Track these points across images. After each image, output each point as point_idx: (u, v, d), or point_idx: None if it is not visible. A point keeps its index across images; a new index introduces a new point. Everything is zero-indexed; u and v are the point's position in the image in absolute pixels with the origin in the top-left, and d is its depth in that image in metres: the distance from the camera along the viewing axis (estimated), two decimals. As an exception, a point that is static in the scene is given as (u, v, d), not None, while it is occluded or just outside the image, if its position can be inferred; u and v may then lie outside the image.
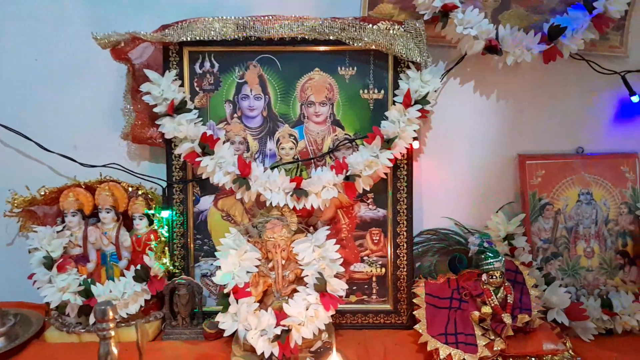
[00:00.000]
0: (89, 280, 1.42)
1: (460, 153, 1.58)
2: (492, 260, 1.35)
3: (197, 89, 1.46)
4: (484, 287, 1.35)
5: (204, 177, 1.41)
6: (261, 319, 1.28)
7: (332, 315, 1.33)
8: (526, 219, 1.53)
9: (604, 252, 1.55)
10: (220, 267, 1.34)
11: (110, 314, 0.98)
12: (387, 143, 1.40)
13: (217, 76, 1.46)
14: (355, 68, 1.46)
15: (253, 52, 1.45)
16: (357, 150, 1.44)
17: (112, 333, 0.99)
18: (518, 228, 1.51)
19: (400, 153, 1.42)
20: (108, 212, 1.46)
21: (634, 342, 1.43)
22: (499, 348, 1.28)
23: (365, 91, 1.47)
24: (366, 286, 1.51)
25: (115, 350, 0.99)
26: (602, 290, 1.54)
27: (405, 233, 1.48)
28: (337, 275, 1.34)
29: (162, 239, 1.45)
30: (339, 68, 1.46)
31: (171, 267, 1.45)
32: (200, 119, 1.43)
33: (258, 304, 1.33)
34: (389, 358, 1.33)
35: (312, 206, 1.39)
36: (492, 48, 1.42)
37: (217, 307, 1.38)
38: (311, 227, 1.45)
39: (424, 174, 1.57)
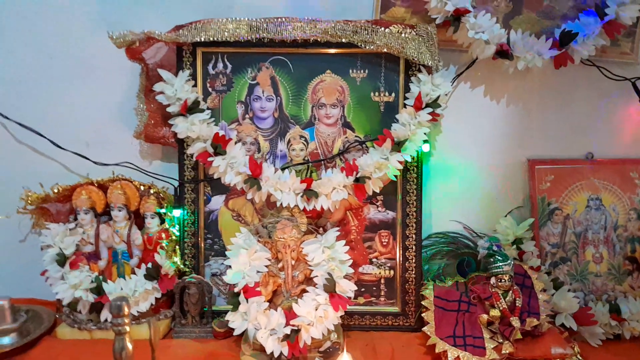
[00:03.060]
0: (101, 277, 1.44)
1: (470, 157, 1.59)
2: (501, 264, 1.36)
3: (210, 89, 1.48)
4: (493, 290, 1.36)
5: (215, 177, 1.42)
6: (271, 319, 1.29)
7: (340, 316, 1.34)
8: (535, 223, 1.53)
9: (613, 258, 1.55)
10: (230, 266, 1.35)
11: (126, 309, 0.99)
12: (398, 146, 1.41)
13: (230, 77, 1.47)
14: (366, 71, 1.47)
15: (265, 54, 1.46)
16: (368, 152, 1.45)
17: (127, 328, 1.00)
18: (527, 232, 1.51)
19: (411, 156, 1.43)
20: (120, 211, 1.47)
21: (642, 348, 1.43)
22: (507, 351, 1.29)
23: (376, 94, 1.48)
24: (374, 288, 1.51)
25: (130, 346, 1.00)
26: (610, 296, 1.54)
27: (414, 236, 1.49)
28: (346, 277, 1.35)
29: (173, 237, 1.47)
30: (350, 70, 1.47)
31: (182, 266, 1.47)
32: (213, 119, 1.44)
33: (268, 303, 1.34)
34: None
35: (322, 207, 1.40)
36: (503, 53, 1.43)
37: (227, 306, 1.39)
38: (321, 228, 1.46)
39: (433, 177, 1.57)
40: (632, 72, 1.53)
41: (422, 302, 1.42)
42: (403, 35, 1.41)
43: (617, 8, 1.42)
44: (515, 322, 1.31)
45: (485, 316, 1.35)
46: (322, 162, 1.49)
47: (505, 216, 1.55)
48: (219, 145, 1.40)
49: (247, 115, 1.49)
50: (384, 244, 1.51)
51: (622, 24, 1.43)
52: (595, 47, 1.45)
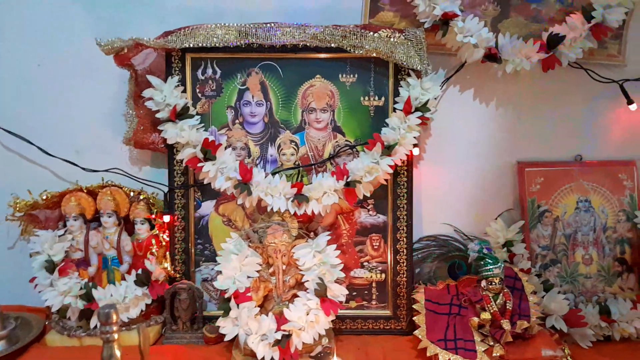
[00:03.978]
0: (90, 284, 1.43)
1: (459, 160, 1.60)
2: (491, 267, 1.36)
3: (199, 95, 1.47)
4: (483, 293, 1.36)
5: (205, 182, 1.42)
6: (262, 324, 1.29)
7: (332, 321, 1.33)
8: (525, 225, 1.54)
9: (602, 260, 1.56)
10: (221, 271, 1.35)
11: (114, 316, 0.98)
12: (388, 149, 1.41)
13: (219, 82, 1.47)
14: (356, 75, 1.47)
15: (255, 59, 1.46)
16: (358, 156, 1.45)
17: (116, 336, 0.99)
18: (517, 235, 1.52)
19: (401, 159, 1.43)
20: (110, 217, 1.47)
21: (632, 349, 1.43)
22: (498, 354, 1.29)
23: (366, 98, 1.48)
24: (366, 292, 1.51)
25: (118, 353, 0.99)
26: (600, 297, 1.54)
27: (405, 239, 1.49)
28: (337, 281, 1.35)
29: (163, 243, 1.46)
30: (340, 75, 1.47)
31: (172, 272, 1.46)
32: (202, 124, 1.44)
33: (259, 308, 1.34)
34: (388, 363, 1.34)
35: (312, 212, 1.40)
36: (492, 56, 1.44)
37: (218, 312, 1.39)
38: (312, 233, 1.46)
39: (423, 181, 1.58)
40: (619, 74, 1.54)
41: (414, 306, 1.42)
42: (392, 39, 1.41)
43: (603, 11, 1.43)
44: (505, 324, 1.31)
45: (476, 319, 1.35)
46: (313, 166, 1.49)
47: (496, 219, 1.55)
48: (209, 151, 1.40)
49: (237, 121, 1.49)
50: (375, 247, 1.51)
51: (608, 27, 1.45)
52: (582, 49, 1.46)
